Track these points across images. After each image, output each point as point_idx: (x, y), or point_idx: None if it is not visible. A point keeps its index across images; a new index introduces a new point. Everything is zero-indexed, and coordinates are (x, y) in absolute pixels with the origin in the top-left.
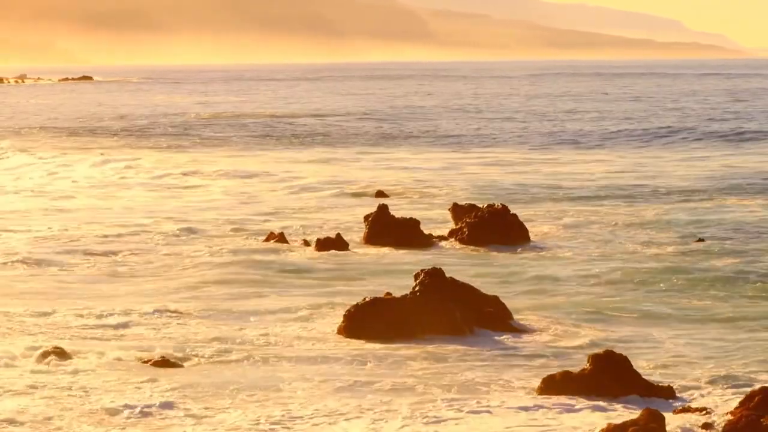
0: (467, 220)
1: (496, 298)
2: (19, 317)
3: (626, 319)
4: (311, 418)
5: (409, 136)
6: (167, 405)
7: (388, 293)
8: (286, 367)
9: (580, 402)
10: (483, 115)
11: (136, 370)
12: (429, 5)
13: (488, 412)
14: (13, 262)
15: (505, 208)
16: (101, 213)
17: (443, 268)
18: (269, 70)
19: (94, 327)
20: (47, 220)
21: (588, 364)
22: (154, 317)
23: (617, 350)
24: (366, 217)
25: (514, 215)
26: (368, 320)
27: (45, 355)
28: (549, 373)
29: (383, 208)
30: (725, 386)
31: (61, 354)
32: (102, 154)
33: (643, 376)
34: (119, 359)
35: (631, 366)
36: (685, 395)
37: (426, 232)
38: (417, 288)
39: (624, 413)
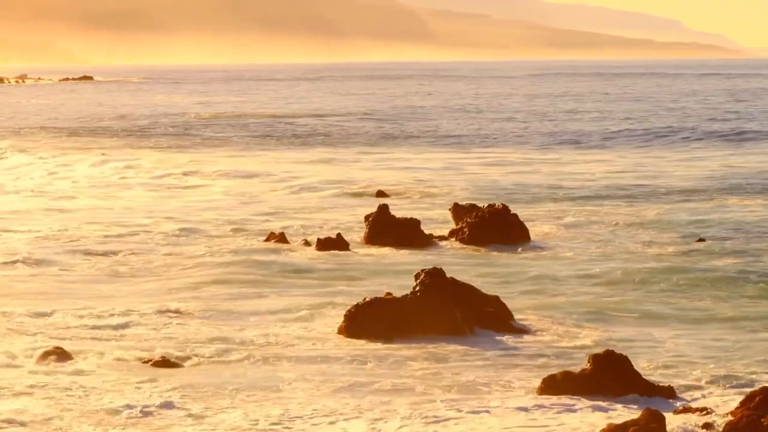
0: (468, 220)
1: (496, 298)
2: (19, 317)
3: (627, 319)
4: (311, 418)
5: (410, 136)
6: (167, 405)
7: (389, 293)
8: (286, 367)
9: (581, 402)
10: (483, 115)
11: (136, 371)
12: (429, 5)
13: (488, 412)
14: (13, 262)
15: (505, 208)
16: (101, 213)
17: (444, 268)
18: (269, 70)
19: (95, 327)
20: (47, 220)
21: (588, 364)
22: (154, 317)
23: (618, 350)
24: (366, 217)
25: (515, 215)
26: (369, 320)
27: (45, 355)
28: (549, 373)
29: (384, 208)
30: (726, 386)
31: (62, 354)
32: (103, 154)
33: (644, 376)
34: (119, 359)
35: (632, 366)
36: (685, 395)
37: (426, 232)
38: (417, 288)
39: (624, 413)
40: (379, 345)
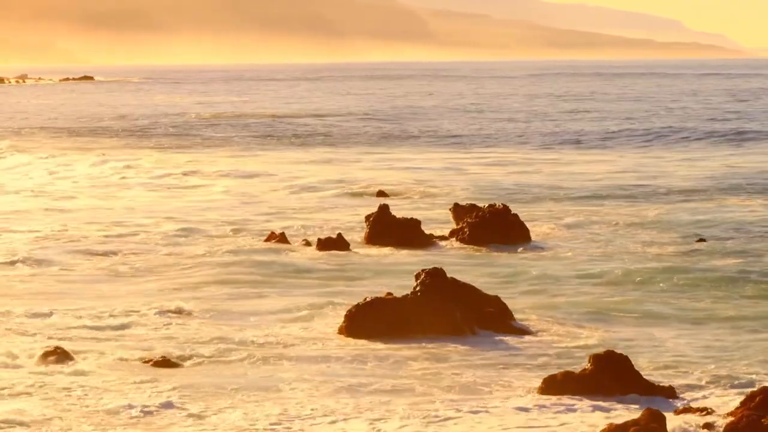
0: (468, 220)
1: (496, 298)
2: (19, 317)
3: (627, 319)
4: (311, 418)
5: (410, 136)
6: (167, 405)
7: (389, 293)
8: (286, 367)
9: (581, 402)
10: (484, 115)
11: (136, 371)
12: (429, 5)
13: (489, 412)
14: (13, 262)
15: (506, 208)
16: (102, 213)
17: (444, 268)
18: (269, 70)
19: (95, 327)
20: (47, 220)
21: (589, 364)
22: (154, 317)
23: (618, 350)
24: (367, 217)
25: (515, 215)
26: (369, 320)
27: (46, 355)
28: (550, 373)
29: (384, 208)
30: (726, 386)
31: (62, 354)
32: (103, 154)
33: (644, 376)
34: (120, 359)
35: (632, 366)
36: (686, 395)
37: (427, 232)
38: (418, 288)
39: (625, 413)
40: (379, 345)
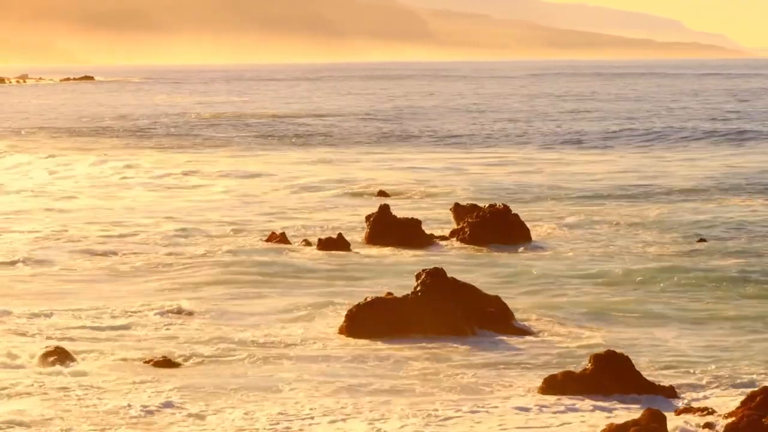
0: (469, 220)
1: (497, 298)
2: (19, 317)
3: (628, 319)
4: (311, 418)
5: (411, 136)
6: (167, 405)
7: (390, 293)
8: (286, 367)
9: (582, 402)
10: (484, 115)
11: (136, 370)
12: (429, 5)
13: (489, 412)
14: (13, 262)
15: (506, 208)
16: (102, 213)
17: (445, 268)
18: (269, 70)
19: (95, 327)
20: (48, 220)
21: (589, 364)
22: (154, 317)
23: (619, 350)
24: (368, 217)
25: (516, 215)
26: (369, 320)
27: (46, 355)
28: (550, 373)
29: (385, 208)
30: (727, 386)
31: (62, 354)
32: (104, 154)
33: (645, 376)
34: (120, 359)
35: (633, 366)
36: (686, 395)
37: (427, 232)
38: (418, 288)
39: (625, 413)
40: (379, 345)
